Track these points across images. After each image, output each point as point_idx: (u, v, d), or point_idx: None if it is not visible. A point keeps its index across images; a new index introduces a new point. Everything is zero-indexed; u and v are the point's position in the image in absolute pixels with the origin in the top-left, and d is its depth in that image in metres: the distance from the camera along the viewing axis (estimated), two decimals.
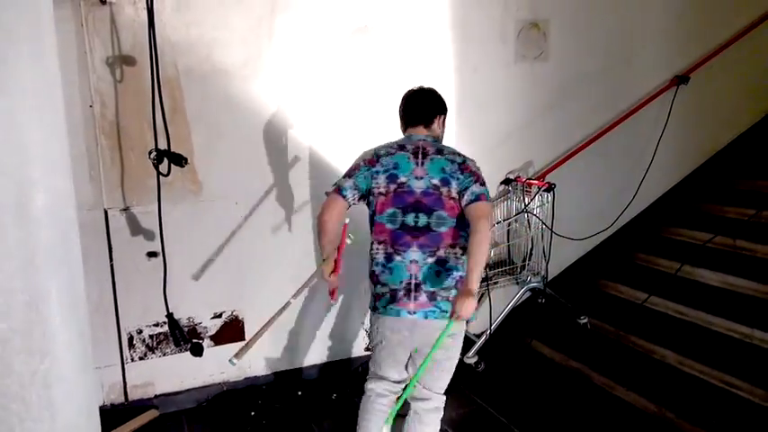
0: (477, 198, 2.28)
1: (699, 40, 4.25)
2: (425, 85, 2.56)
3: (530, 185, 3.61)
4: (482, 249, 2.15)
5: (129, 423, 3.01)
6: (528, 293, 3.77)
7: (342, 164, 3.30)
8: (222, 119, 3.13)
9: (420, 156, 2.37)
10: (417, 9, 3.42)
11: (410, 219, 2.33)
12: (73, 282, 0.73)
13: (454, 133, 3.60)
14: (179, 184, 3.09)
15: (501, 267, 3.67)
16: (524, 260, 3.66)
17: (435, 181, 2.32)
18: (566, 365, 3.53)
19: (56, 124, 0.72)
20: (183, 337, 2.70)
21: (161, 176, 2.40)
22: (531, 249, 3.62)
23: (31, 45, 0.67)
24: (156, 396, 3.22)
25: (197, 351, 2.85)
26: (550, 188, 3.45)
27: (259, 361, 3.42)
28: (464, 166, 2.35)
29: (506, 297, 3.69)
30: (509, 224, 3.58)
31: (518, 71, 3.75)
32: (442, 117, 2.55)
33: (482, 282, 3.40)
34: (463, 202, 2.29)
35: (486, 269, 3.43)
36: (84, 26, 2.81)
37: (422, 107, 2.51)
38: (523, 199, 3.60)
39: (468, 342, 3.68)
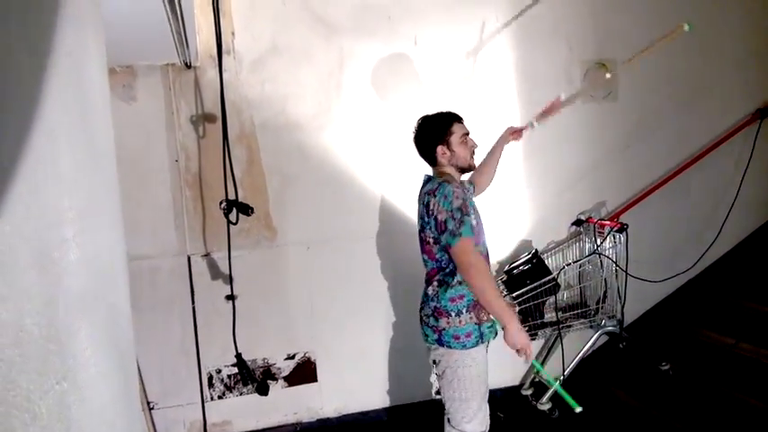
0: (449, 246, 2.32)
1: None
2: (421, 116, 2.54)
3: (602, 226, 3.53)
4: (473, 286, 2.31)
5: None
6: (604, 338, 3.65)
7: (407, 207, 3.40)
8: (295, 168, 3.31)
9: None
10: (481, 53, 3.50)
11: (485, 245, 2.55)
12: (112, 322, 0.84)
13: (524, 175, 3.63)
14: (255, 231, 3.28)
15: (574, 310, 3.58)
16: (598, 303, 3.55)
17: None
18: (646, 413, 3.35)
19: (102, 187, 0.85)
20: (250, 376, 2.83)
21: (231, 225, 2.58)
22: (605, 292, 3.52)
23: (79, 113, 0.79)
24: None
25: (263, 390, 2.97)
26: (623, 228, 3.36)
27: (331, 402, 3.49)
28: (428, 209, 2.36)
29: (582, 341, 3.58)
30: (580, 266, 3.50)
31: (586, 112, 3.72)
32: (442, 145, 2.45)
33: (553, 325, 3.38)
34: None
35: (557, 312, 3.37)
36: (172, 89, 3.10)
37: (417, 148, 2.54)
38: (595, 240, 3.52)
39: (541, 388, 3.60)
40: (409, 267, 3.48)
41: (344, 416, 3.51)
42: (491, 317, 2.47)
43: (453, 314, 2.42)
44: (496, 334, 2.56)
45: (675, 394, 3.41)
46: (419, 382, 3.62)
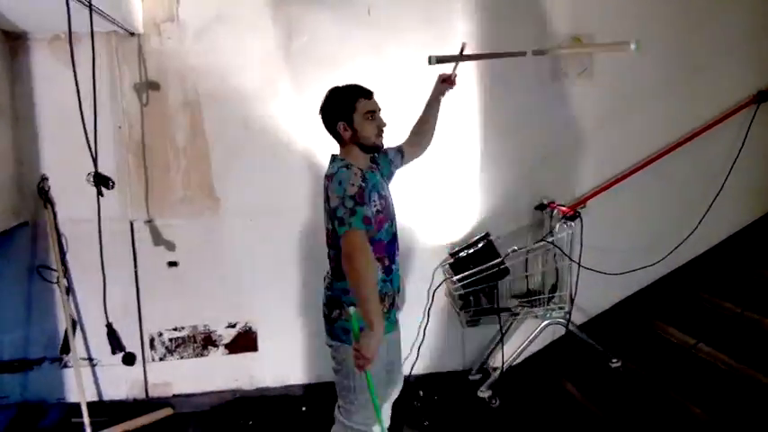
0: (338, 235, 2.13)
1: None
2: (331, 87, 2.34)
3: (562, 212, 3.34)
4: (350, 278, 2.05)
5: (143, 417, 3.27)
6: (561, 330, 3.49)
7: None
8: (240, 139, 3.29)
9: None
10: (439, 24, 3.33)
11: (395, 227, 2.39)
12: None
13: (479, 158, 3.48)
14: (198, 200, 3.31)
15: (522, 299, 3.42)
16: (550, 293, 3.39)
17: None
18: (588, 408, 3.21)
19: None
20: (118, 345, 2.90)
21: (100, 195, 2.63)
22: (557, 282, 3.35)
23: None
24: (174, 396, 3.45)
25: (129, 360, 3.06)
26: (575, 216, 3.17)
27: (271, 372, 3.53)
28: (325, 195, 2.22)
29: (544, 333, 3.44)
30: (528, 252, 3.33)
31: (557, 89, 3.49)
32: (343, 122, 2.26)
33: (495, 312, 3.26)
34: None
35: (497, 300, 3.23)
36: (116, 56, 3.14)
37: (322, 122, 2.35)
38: (551, 226, 3.35)
39: (487, 375, 3.51)
40: None
41: (284, 386, 3.55)
42: (389, 306, 2.36)
43: (346, 305, 2.24)
44: (395, 326, 2.46)
45: (622, 391, 3.24)
46: None
